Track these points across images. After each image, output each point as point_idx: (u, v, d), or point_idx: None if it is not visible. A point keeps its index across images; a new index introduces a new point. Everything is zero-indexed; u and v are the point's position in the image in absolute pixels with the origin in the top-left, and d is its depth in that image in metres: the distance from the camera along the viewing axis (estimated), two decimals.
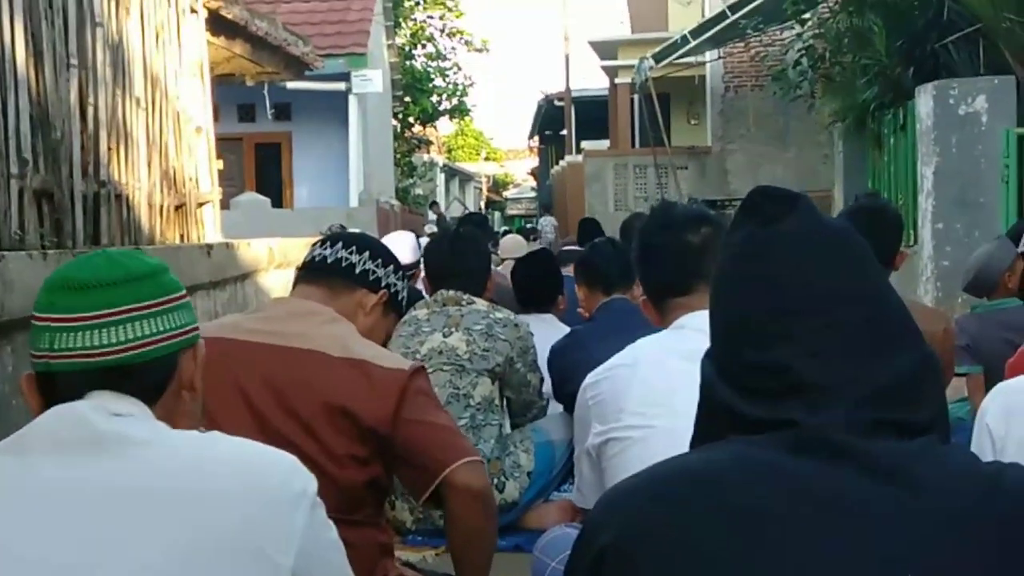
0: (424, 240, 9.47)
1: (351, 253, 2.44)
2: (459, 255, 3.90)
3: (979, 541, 1.10)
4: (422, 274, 7.04)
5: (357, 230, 6.09)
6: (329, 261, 2.43)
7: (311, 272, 2.45)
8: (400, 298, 2.55)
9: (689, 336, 2.18)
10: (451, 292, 3.76)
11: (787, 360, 1.18)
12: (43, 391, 1.43)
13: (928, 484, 1.12)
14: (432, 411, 2.28)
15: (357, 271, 2.43)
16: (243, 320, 2.41)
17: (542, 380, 3.85)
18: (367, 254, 2.45)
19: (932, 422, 1.18)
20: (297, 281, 2.48)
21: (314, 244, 2.55)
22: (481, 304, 3.74)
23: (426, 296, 5.06)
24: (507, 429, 3.82)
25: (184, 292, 1.51)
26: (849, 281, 1.22)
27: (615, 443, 2.24)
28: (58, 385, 1.41)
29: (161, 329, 1.45)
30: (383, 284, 2.46)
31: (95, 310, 1.41)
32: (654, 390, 2.21)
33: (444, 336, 3.64)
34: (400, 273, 2.54)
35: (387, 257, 2.51)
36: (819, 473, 1.13)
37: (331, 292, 2.40)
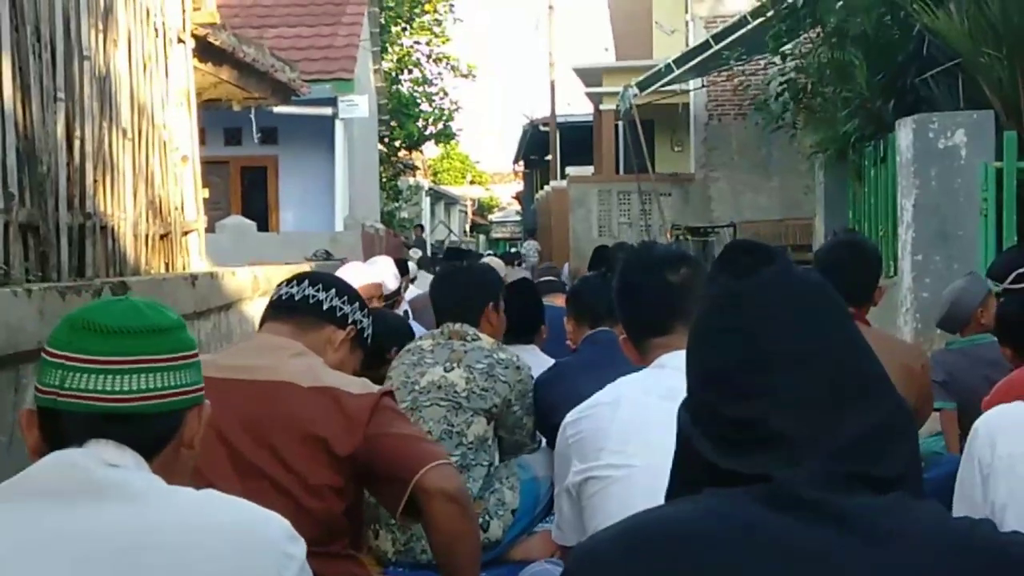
0: (412, 265, 9.51)
1: (318, 291, 2.50)
2: (462, 288, 3.90)
3: None
4: (406, 298, 7.09)
5: (352, 260, 6.13)
6: (297, 299, 2.49)
7: (279, 310, 2.50)
8: (366, 335, 2.60)
9: (669, 375, 2.19)
10: (457, 326, 3.74)
11: (760, 413, 1.19)
12: (43, 428, 1.43)
13: (898, 540, 1.13)
14: (398, 423, 2.31)
15: (325, 307, 2.48)
16: (212, 358, 2.44)
17: (536, 423, 3.86)
18: (333, 291, 2.51)
19: (903, 476, 1.19)
20: (265, 319, 2.53)
21: (280, 284, 2.59)
22: (486, 341, 3.73)
23: (416, 325, 5.07)
24: (495, 465, 3.81)
25: (196, 351, 1.53)
26: (822, 335, 1.23)
27: (595, 482, 2.25)
28: (60, 425, 1.41)
29: (172, 384, 1.46)
30: (350, 320, 2.52)
31: (111, 355, 1.42)
32: (633, 428, 2.22)
33: (445, 371, 3.63)
34: (366, 311, 2.59)
35: (352, 295, 2.57)
36: (790, 529, 1.14)
37: (299, 329, 2.45)
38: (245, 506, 1.45)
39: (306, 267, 7.73)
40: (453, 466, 2.31)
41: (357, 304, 2.56)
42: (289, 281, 2.55)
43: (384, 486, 2.27)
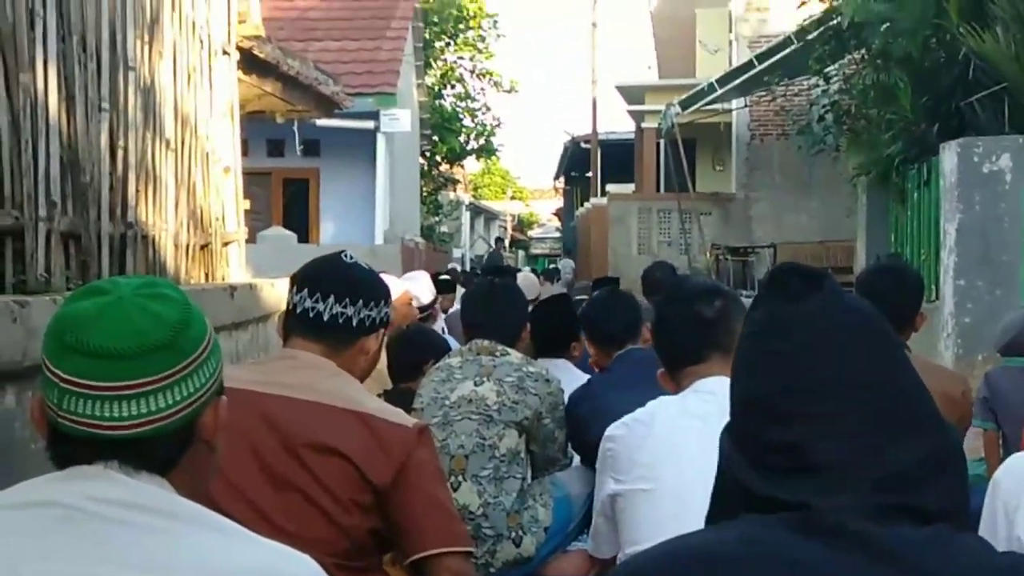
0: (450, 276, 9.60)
1: (345, 307, 2.39)
2: (495, 306, 3.90)
3: None
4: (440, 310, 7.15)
5: (390, 273, 6.15)
6: (326, 319, 2.38)
7: (307, 327, 2.39)
8: (389, 320, 2.54)
9: (704, 398, 2.35)
10: (485, 342, 3.75)
11: (801, 440, 1.17)
12: (51, 437, 1.34)
13: (937, 573, 1.11)
14: (434, 482, 2.31)
15: (355, 323, 2.40)
16: (243, 372, 2.40)
17: (568, 438, 3.85)
18: (360, 303, 2.40)
19: (946, 510, 1.16)
20: (291, 331, 2.43)
21: (296, 287, 2.43)
22: (515, 356, 3.74)
23: (452, 339, 5.08)
24: (528, 480, 3.82)
25: (208, 340, 1.39)
26: (868, 364, 1.21)
27: (625, 497, 2.43)
28: (67, 442, 1.31)
29: (179, 399, 1.33)
30: (378, 322, 2.46)
31: (108, 380, 1.28)
32: (665, 447, 2.38)
33: (475, 385, 3.64)
34: (388, 297, 2.51)
35: (377, 293, 2.46)
36: (826, 558, 1.12)
37: (332, 349, 2.38)
38: (269, 547, 1.34)
39: None
40: (469, 554, 2.32)
41: (384, 302, 2.47)
42: (311, 289, 2.40)
43: (399, 535, 2.28)
